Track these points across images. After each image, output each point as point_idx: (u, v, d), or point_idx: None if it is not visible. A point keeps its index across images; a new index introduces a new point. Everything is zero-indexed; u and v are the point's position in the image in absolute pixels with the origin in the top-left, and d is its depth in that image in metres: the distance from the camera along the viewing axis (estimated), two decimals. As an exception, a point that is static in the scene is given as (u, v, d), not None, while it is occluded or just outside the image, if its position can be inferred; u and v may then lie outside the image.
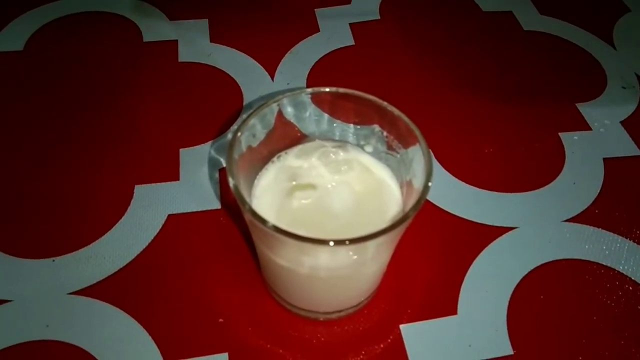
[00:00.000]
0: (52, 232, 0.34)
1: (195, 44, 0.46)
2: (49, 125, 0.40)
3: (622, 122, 0.42)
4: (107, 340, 0.29)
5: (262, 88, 0.43)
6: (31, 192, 0.36)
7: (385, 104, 0.28)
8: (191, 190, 0.36)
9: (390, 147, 0.29)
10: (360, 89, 0.29)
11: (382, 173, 0.30)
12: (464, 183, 0.38)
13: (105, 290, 0.31)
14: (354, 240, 0.23)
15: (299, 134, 0.31)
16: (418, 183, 0.26)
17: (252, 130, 0.28)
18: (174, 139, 0.39)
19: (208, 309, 0.31)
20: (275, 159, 0.31)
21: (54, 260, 0.32)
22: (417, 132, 0.27)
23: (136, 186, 0.36)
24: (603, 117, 0.43)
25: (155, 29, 0.47)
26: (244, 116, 0.40)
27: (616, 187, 0.38)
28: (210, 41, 0.46)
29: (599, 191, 0.38)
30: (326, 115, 0.31)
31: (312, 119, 0.31)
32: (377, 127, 0.30)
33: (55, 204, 0.35)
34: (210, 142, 0.39)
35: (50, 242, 0.33)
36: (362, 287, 0.30)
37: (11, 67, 0.44)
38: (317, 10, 0.50)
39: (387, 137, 0.29)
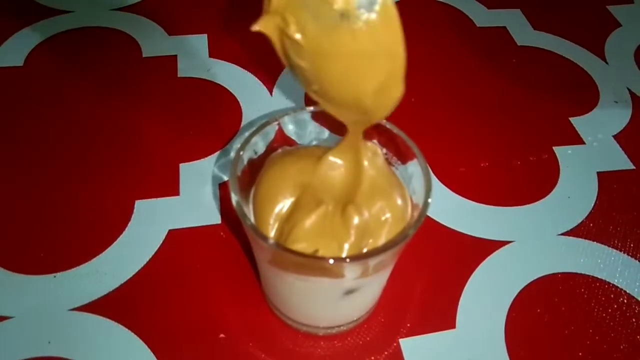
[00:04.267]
0: (53, 248, 0.34)
1: (195, 59, 0.47)
2: (48, 141, 0.40)
3: (614, 136, 0.43)
4: (108, 356, 0.30)
5: (260, 103, 0.43)
6: (31, 208, 0.36)
7: (383, 120, 0.29)
8: (191, 205, 0.36)
9: (389, 164, 0.30)
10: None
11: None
12: (460, 197, 0.38)
13: (106, 306, 0.31)
14: (354, 258, 0.24)
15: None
16: (417, 200, 0.27)
17: (254, 148, 0.28)
18: (173, 154, 0.39)
19: (209, 324, 0.31)
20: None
21: (55, 276, 0.33)
22: (416, 150, 0.27)
23: (136, 201, 0.36)
24: (596, 131, 0.43)
25: (155, 44, 0.48)
26: (245, 132, 0.41)
27: (610, 200, 0.39)
28: (209, 56, 0.47)
29: (593, 205, 0.38)
30: (327, 132, 0.31)
31: (312, 136, 0.31)
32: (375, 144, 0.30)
33: (55, 220, 0.35)
34: (209, 157, 0.39)
35: (51, 258, 0.33)
36: (362, 303, 0.30)
37: (11, 83, 0.44)
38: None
39: (385, 153, 0.30)
